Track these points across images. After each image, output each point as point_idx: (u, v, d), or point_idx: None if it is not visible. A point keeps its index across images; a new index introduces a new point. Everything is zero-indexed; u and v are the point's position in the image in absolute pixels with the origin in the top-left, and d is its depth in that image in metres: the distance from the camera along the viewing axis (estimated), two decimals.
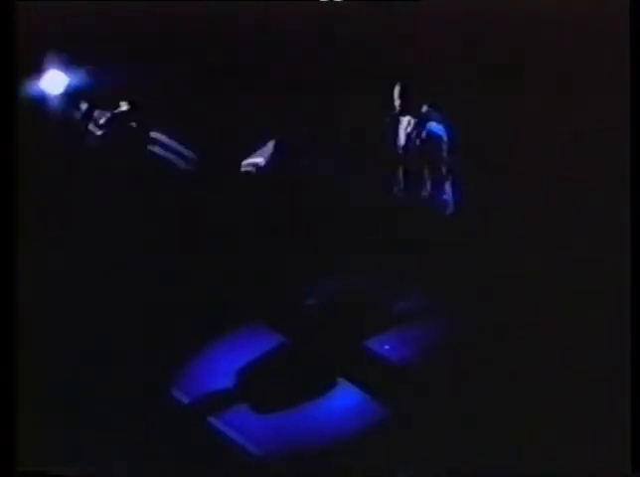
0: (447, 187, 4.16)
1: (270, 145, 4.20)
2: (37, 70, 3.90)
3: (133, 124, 4.12)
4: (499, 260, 3.95)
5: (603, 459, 3.52)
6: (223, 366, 3.93)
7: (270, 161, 4.20)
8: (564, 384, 3.70)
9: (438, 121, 4.13)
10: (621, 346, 3.69)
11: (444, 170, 4.14)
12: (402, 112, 4.14)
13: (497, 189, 3.98)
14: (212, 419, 3.73)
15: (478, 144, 4.02)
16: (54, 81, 4.04)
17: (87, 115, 4.11)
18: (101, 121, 4.09)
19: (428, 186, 4.18)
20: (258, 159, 4.19)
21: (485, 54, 3.97)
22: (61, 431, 3.62)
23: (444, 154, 4.13)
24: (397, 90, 4.09)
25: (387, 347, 3.97)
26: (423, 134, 4.15)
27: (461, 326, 3.91)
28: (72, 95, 4.10)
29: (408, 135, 4.13)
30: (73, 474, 3.54)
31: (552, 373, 3.74)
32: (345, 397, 3.80)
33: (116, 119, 4.13)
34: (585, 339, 3.77)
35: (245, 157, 4.21)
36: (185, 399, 3.82)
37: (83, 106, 4.09)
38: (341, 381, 3.84)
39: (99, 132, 4.08)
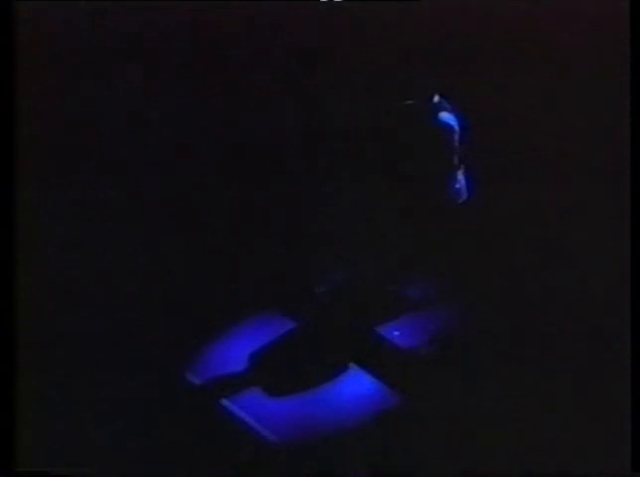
0: (460, 176, 4.20)
1: None
2: (37, 70, 3.89)
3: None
4: (511, 249, 3.96)
5: (603, 459, 3.52)
6: (236, 351, 3.94)
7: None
8: (564, 383, 3.71)
9: (449, 111, 4.17)
10: (621, 346, 3.70)
11: (456, 159, 4.18)
12: (414, 103, 4.16)
13: (509, 178, 4.00)
14: (226, 402, 3.76)
15: (490, 133, 4.04)
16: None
17: None
18: None
19: (441, 175, 4.21)
20: None
21: (493, 48, 3.98)
22: (62, 430, 3.62)
23: (456, 143, 4.16)
24: (408, 82, 4.12)
25: (397, 333, 3.99)
26: (435, 124, 4.18)
27: (471, 314, 3.93)
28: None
29: (420, 126, 4.15)
30: (73, 474, 3.54)
31: (552, 372, 3.74)
32: (356, 382, 3.82)
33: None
34: (586, 338, 3.78)
35: (242, 158, 4.21)
36: (199, 383, 3.83)
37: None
38: (352, 366, 3.87)
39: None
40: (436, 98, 4.19)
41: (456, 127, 4.20)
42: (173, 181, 4.06)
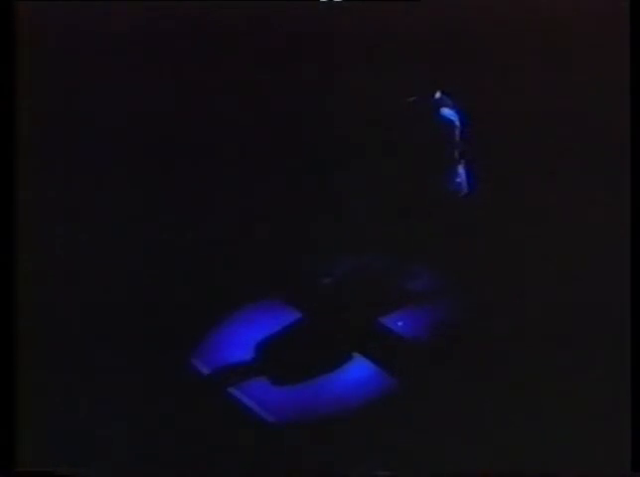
0: (460, 170, 4.24)
1: None
2: (37, 70, 3.89)
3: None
4: (511, 243, 3.97)
5: (603, 459, 3.52)
6: (242, 338, 3.99)
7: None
8: (565, 383, 3.71)
9: (450, 107, 4.20)
10: (621, 345, 3.70)
11: (457, 154, 4.22)
12: (416, 100, 4.19)
13: (509, 173, 4.02)
14: (231, 389, 3.79)
15: (490, 129, 4.06)
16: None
17: None
18: None
19: (442, 170, 4.24)
20: None
21: (493, 46, 3.99)
22: (61, 430, 3.62)
23: (457, 138, 4.20)
24: (409, 81, 4.14)
25: (400, 323, 4.03)
26: (437, 120, 4.22)
27: (472, 306, 3.95)
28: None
29: (421, 121, 4.19)
30: (74, 474, 3.54)
31: (552, 371, 3.74)
32: (359, 371, 3.86)
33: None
34: (586, 337, 3.78)
35: (243, 155, 4.22)
36: (205, 370, 3.87)
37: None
38: (356, 355, 3.91)
39: None
40: (438, 95, 4.23)
41: (457, 123, 4.26)
42: (175, 171, 4.06)
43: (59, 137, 3.93)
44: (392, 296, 4.18)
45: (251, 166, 4.11)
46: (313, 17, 3.97)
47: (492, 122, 4.05)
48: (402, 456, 3.63)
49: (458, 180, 4.31)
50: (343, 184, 4.13)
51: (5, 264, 3.69)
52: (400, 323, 4.05)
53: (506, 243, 3.99)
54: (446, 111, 4.25)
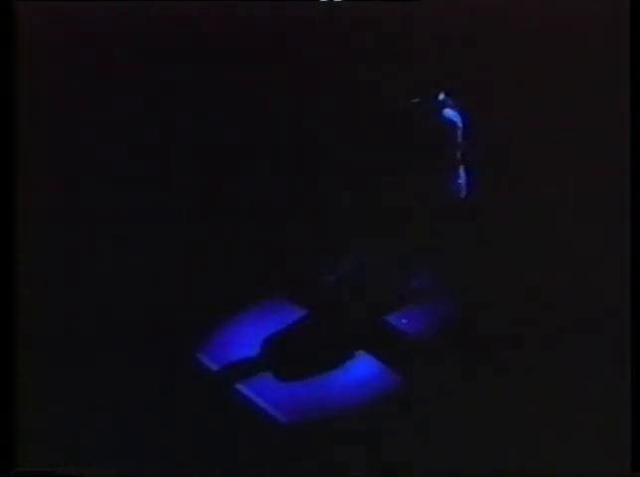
0: (462, 171, 4.26)
1: None
2: (37, 70, 3.89)
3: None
4: (512, 242, 3.98)
5: (603, 459, 3.52)
6: (246, 337, 4.02)
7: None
8: (565, 383, 3.71)
9: (453, 108, 4.22)
10: (621, 345, 3.70)
11: (459, 155, 4.23)
12: (420, 101, 4.21)
13: (511, 173, 4.03)
14: (235, 387, 3.83)
15: (492, 130, 4.07)
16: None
17: None
18: None
19: (444, 170, 4.26)
20: None
21: (493, 47, 4.00)
22: (62, 430, 3.63)
23: (459, 139, 4.22)
24: (409, 81, 4.15)
25: (404, 321, 4.07)
26: (439, 121, 4.23)
27: (474, 304, 3.96)
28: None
29: (423, 122, 4.21)
30: (74, 474, 3.54)
31: (552, 370, 3.75)
32: (363, 369, 3.89)
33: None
34: (586, 337, 3.78)
35: (241, 154, 4.23)
36: (210, 369, 3.90)
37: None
38: (360, 353, 3.94)
39: None
40: (441, 96, 4.24)
41: (459, 124, 4.28)
42: (175, 170, 4.07)
43: (59, 137, 3.93)
44: (394, 295, 4.22)
45: (252, 166, 4.12)
46: (313, 17, 3.98)
47: (494, 123, 4.06)
48: (403, 455, 3.64)
49: (459, 181, 4.33)
50: (344, 184, 4.14)
51: (5, 264, 3.69)
52: (403, 321, 4.08)
53: (506, 244, 4.00)
54: (448, 112, 4.28)
